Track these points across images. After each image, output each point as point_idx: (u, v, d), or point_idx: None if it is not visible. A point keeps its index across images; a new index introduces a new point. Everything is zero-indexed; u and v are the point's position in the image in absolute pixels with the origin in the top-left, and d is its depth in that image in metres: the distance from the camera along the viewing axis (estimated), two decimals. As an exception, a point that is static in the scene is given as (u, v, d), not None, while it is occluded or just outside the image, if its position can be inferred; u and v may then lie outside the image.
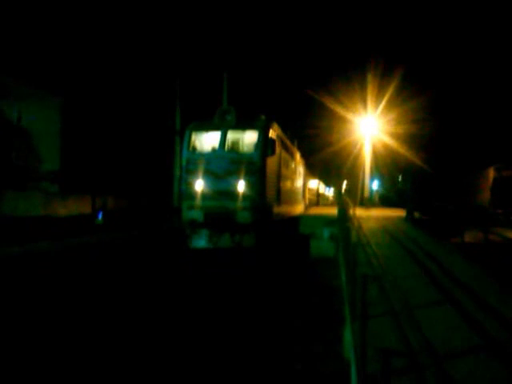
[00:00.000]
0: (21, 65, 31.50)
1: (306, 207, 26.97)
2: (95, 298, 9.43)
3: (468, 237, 11.65)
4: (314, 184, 37.50)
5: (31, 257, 11.28)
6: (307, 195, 29.02)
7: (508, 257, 8.87)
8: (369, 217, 16.97)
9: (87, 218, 22.53)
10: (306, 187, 27.68)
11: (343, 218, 11.95)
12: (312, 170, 36.30)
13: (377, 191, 37.96)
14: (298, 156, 23.51)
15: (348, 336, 5.78)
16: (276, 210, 14.72)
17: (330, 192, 56.32)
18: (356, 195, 26.60)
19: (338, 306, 7.98)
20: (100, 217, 22.30)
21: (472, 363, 3.74)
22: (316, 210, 26.78)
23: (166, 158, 27.96)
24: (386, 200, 34.06)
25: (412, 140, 24.91)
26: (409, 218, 16.37)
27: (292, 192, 19.48)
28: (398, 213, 19.73)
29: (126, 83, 32.85)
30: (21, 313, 8.29)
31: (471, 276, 7.29)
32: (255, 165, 12.56)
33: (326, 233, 15.26)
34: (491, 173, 21.30)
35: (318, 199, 39.15)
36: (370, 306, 5.42)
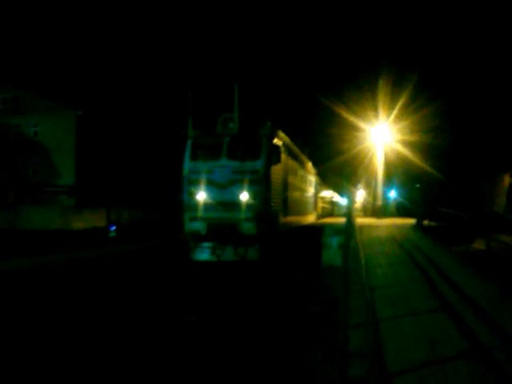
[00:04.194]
0: (36, 79, 32.50)
1: (319, 217, 26.66)
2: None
3: (478, 244, 11.27)
4: (328, 193, 37.04)
5: (41, 269, 11.44)
6: (320, 205, 28.71)
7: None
8: (378, 226, 16.68)
9: (101, 232, 22.81)
10: (318, 197, 27.38)
11: (349, 227, 11.71)
12: (325, 179, 35.94)
13: (394, 200, 37.03)
14: (308, 165, 23.27)
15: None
16: (282, 220, 14.48)
17: (344, 201, 55.62)
18: (368, 204, 26.21)
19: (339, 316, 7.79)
20: (113, 230, 22.58)
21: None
22: (328, 220, 26.46)
23: (178, 169, 28.11)
24: (403, 209, 33.34)
25: (425, 148, 24.49)
26: (418, 225, 15.99)
27: (301, 201, 19.21)
28: (409, 221, 19.33)
29: (139, 96, 33.46)
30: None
31: (472, 286, 7.03)
32: (259, 174, 12.30)
33: (334, 242, 15.05)
34: (507, 179, 20.70)
35: (333, 209, 38.67)
36: (355, 314, 5.43)
